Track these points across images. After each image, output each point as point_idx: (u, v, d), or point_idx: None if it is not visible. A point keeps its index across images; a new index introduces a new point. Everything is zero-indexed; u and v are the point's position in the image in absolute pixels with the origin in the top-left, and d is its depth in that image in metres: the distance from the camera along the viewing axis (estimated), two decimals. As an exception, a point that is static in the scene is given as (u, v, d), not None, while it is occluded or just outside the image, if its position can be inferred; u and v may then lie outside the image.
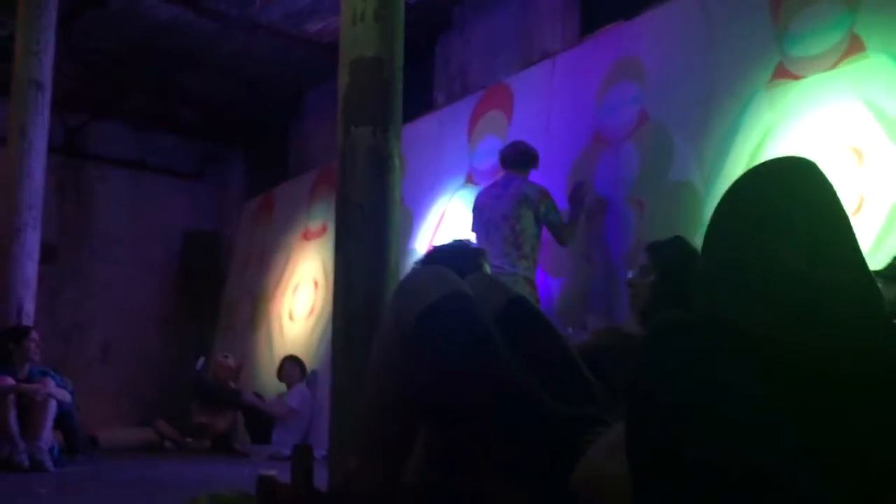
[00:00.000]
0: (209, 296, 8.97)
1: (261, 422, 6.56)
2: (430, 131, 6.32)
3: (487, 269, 2.83)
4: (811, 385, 0.97)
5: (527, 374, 1.51)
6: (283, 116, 8.88)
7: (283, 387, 6.72)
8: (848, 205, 3.55)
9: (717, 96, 4.33)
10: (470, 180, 5.85)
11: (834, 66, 3.79)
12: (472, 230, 4.72)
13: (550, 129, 5.29)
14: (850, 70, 3.73)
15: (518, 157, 4.68)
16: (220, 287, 8.85)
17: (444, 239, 5.86)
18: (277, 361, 6.99)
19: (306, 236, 7.60)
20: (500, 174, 4.81)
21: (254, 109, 8.87)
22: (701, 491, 0.95)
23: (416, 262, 2.60)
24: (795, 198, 1.05)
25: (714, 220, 1.11)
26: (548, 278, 4.92)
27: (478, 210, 4.69)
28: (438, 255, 2.60)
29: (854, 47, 3.73)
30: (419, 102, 6.71)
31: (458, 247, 2.69)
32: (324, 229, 7.31)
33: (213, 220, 9.70)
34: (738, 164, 4.13)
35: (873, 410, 0.96)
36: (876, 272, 3.08)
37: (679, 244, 2.88)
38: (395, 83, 2.88)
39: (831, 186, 1.09)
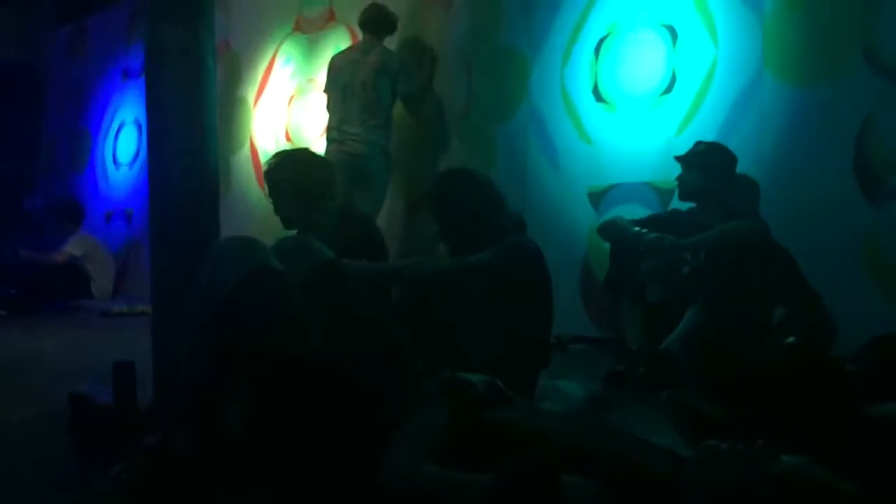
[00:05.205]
0: (26, 131, 8.31)
1: (75, 279, 6.17)
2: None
3: None
4: None
5: (332, 346, 1.58)
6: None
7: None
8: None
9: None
10: (297, 27, 5.62)
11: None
12: (325, 91, 4.64)
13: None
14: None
15: (380, 22, 4.53)
16: (38, 123, 8.23)
17: (274, 87, 5.67)
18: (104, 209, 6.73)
19: (127, 75, 7.12)
20: (359, 38, 4.67)
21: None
22: None
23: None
24: None
25: None
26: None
27: (334, 73, 4.56)
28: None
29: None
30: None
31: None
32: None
33: (20, 48, 8.83)
34: (564, 33, 4.21)
35: None
36: (677, 157, 3.30)
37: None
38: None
39: None
